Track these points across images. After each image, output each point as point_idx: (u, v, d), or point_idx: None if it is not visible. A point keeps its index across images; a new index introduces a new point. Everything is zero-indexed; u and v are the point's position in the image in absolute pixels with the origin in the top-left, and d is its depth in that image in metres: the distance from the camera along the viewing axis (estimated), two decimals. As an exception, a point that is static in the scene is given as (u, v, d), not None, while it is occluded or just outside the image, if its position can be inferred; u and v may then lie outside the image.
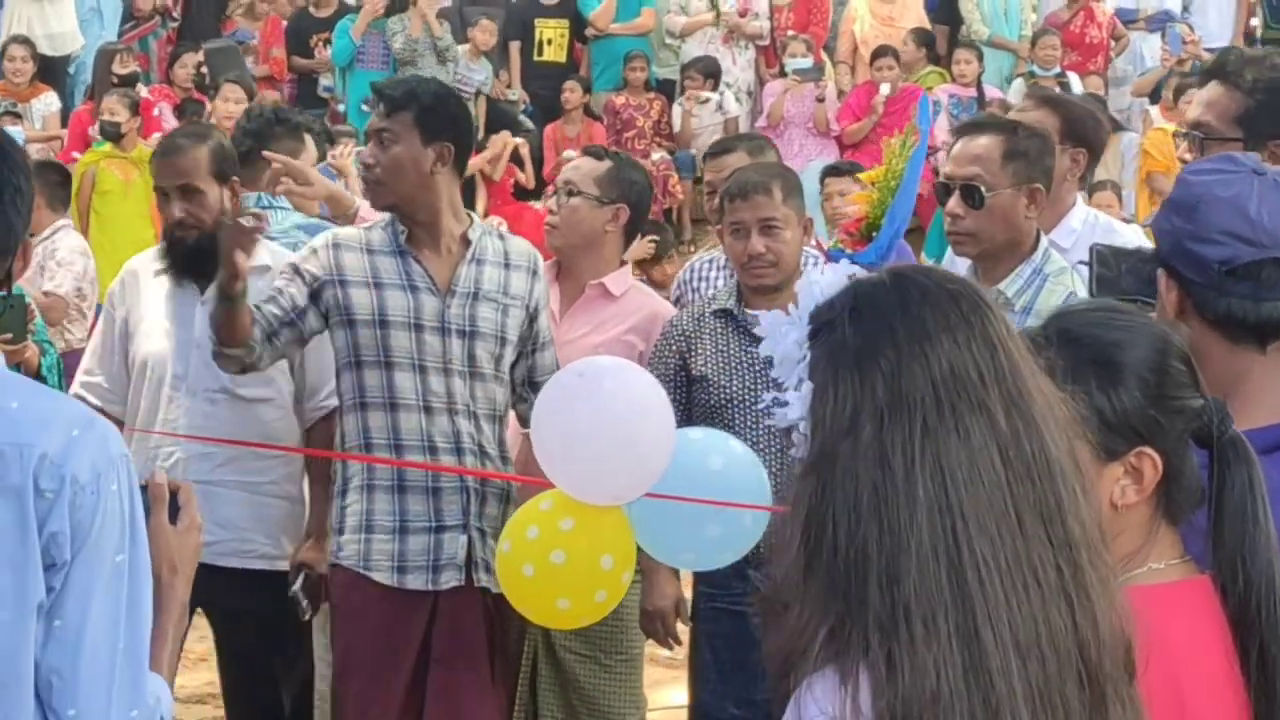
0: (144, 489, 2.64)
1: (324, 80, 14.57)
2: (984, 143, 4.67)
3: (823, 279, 2.04)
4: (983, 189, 4.59)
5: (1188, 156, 4.14)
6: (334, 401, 5.24)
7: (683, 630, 5.31)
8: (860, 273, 2.07)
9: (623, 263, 5.59)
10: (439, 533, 4.88)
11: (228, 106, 11.38)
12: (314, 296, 4.90)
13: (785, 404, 2.01)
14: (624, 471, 4.30)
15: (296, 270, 4.92)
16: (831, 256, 5.93)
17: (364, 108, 13.64)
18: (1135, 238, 5.19)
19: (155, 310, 5.35)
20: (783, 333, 2.02)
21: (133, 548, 2.50)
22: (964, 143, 4.73)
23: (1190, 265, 2.72)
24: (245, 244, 4.58)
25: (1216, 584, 2.33)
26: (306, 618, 5.31)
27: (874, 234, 5.70)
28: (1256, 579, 2.29)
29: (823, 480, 1.92)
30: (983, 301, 2.00)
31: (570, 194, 5.42)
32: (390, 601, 4.88)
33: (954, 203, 4.65)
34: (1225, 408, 2.35)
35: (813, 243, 5.86)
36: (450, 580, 4.88)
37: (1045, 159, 4.70)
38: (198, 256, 5.20)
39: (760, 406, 2.08)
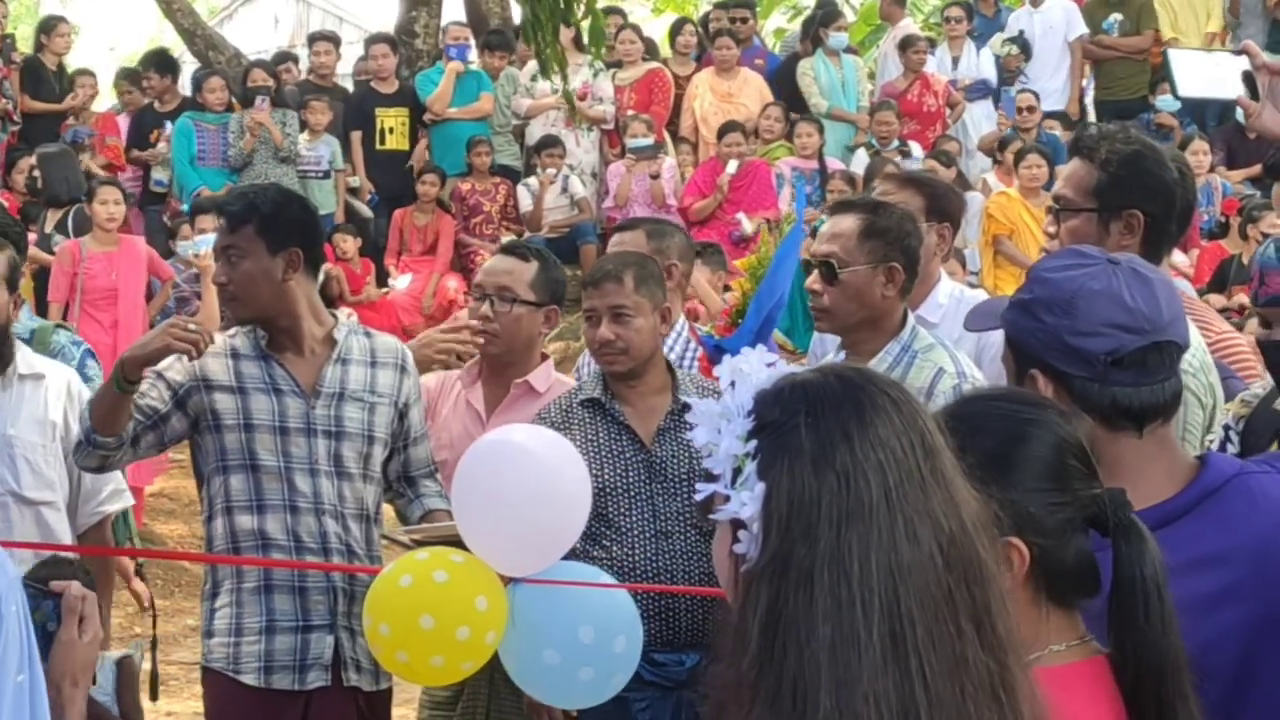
0: (56, 598, 2.60)
1: (155, 174, 14.43)
2: (846, 222, 4.75)
3: (751, 369, 2.03)
4: (835, 265, 4.65)
5: (1051, 229, 4.23)
6: (109, 507, 5.34)
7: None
8: (780, 362, 2.07)
9: (544, 357, 5.58)
10: (306, 632, 4.88)
11: (107, 209, 11.30)
12: (180, 403, 4.91)
13: (726, 498, 1.99)
14: (536, 522, 4.41)
15: (160, 376, 4.90)
16: (704, 342, 5.98)
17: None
18: None
19: None
20: (723, 425, 2.01)
21: (31, 667, 2.50)
22: (831, 222, 4.82)
23: (1072, 361, 2.75)
24: (179, 345, 4.63)
25: (1111, 663, 2.36)
26: None
27: (740, 320, 5.76)
28: (1155, 659, 2.33)
29: (777, 584, 1.92)
30: (920, 408, 2.03)
31: (510, 301, 5.36)
32: (260, 704, 4.87)
33: (812, 279, 4.74)
34: (1122, 496, 2.38)
35: (683, 329, 5.89)
36: (316, 680, 4.87)
37: (907, 239, 4.76)
38: None
39: (698, 498, 2.05)
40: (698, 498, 2.03)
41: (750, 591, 1.95)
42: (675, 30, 16.58)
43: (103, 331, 10.68)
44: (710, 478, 2.02)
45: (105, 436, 4.76)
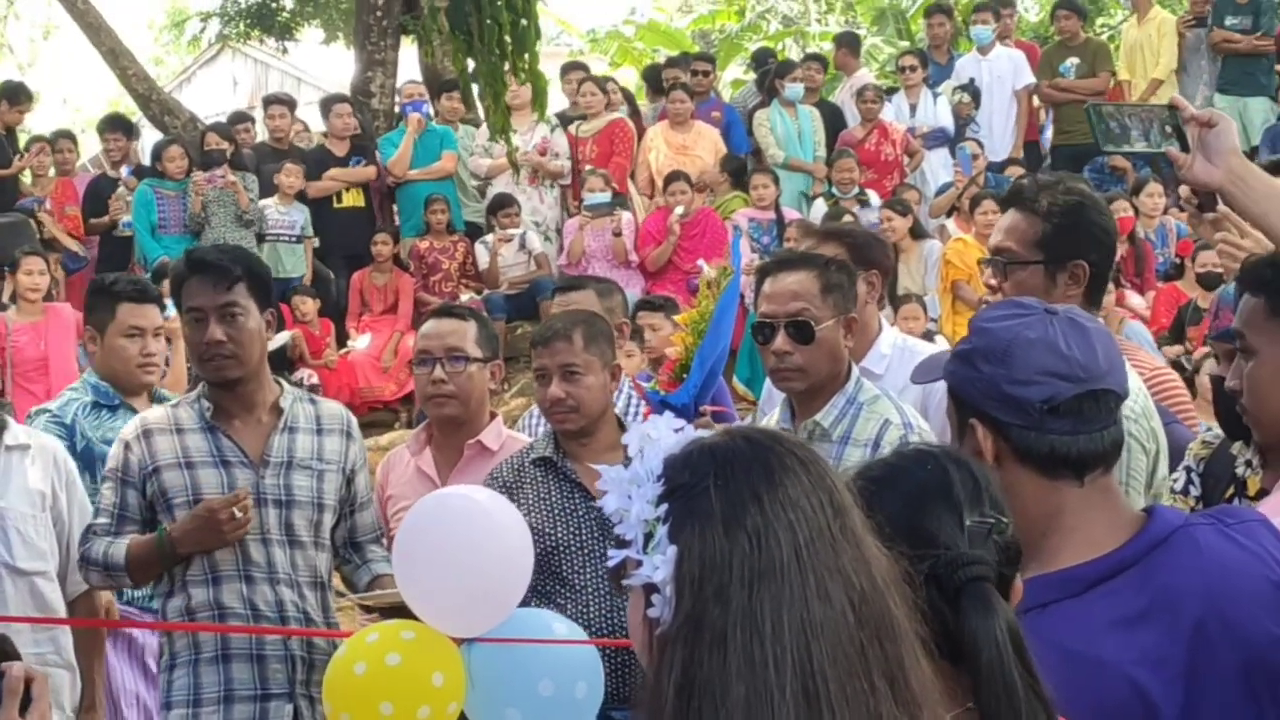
0: None
1: (125, 218, 14.37)
2: (800, 278, 4.74)
3: (659, 435, 2.04)
4: (812, 324, 4.65)
5: (993, 282, 4.22)
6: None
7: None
8: (686, 427, 2.07)
9: (492, 415, 5.59)
10: (264, 701, 4.86)
11: (31, 279, 11.24)
12: (142, 492, 4.93)
13: (638, 563, 2.00)
14: (484, 580, 4.33)
15: (123, 482, 4.93)
16: (649, 397, 5.97)
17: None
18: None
19: None
20: (634, 491, 2.01)
21: None
22: (776, 280, 4.78)
23: (1009, 409, 2.75)
24: (236, 535, 4.75)
25: None
26: None
27: (684, 375, 5.77)
28: None
29: (691, 646, 1.93)
30: (828, 467, 2.04)
31: (463, 360, 5.40)
32: None
33: (781, 340, 4.69)
34: (967, 558, 2.29)
35: (626, 385, 5.89)
36: None
37: (852, 288, 4.80)
38: None
39: (610, 564, 2.06)
40: (610, 564, 2.03)
41: (665, 654, 1.96)
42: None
43: (37, 403, 10.58)
44: (622, 544, 2.02)
45: (140, 587, 5.07)
